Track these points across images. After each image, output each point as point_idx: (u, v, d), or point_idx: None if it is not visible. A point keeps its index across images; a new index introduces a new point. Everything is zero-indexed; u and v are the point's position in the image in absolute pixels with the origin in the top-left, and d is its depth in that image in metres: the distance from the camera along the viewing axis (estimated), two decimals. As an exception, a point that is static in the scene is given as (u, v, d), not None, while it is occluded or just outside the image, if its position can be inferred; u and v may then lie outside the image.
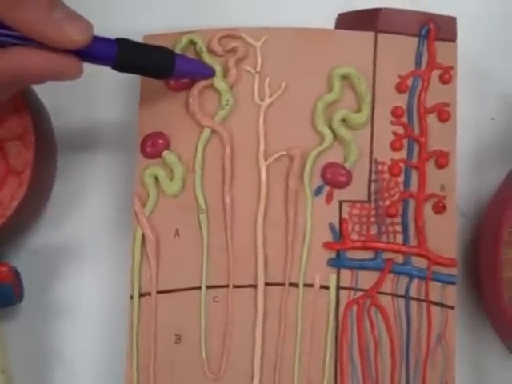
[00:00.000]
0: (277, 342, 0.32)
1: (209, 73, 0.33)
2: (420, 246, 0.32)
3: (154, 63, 0.31)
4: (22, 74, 0.27)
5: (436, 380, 0.31)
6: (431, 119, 0.33)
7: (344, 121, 0.33)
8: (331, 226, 0.32)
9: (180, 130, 0.33)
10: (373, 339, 0.32)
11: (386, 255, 0.32)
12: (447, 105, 0.33)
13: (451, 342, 0.31)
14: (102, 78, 0.35)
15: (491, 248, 0.32)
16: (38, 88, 0.34)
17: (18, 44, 0.27)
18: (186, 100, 0.33)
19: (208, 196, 0.33)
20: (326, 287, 0.32)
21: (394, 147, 0.33)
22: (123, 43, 0.30)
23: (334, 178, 0.33)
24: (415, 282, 0.32)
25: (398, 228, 0.33)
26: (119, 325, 0.33)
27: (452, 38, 0.34)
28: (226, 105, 0.33)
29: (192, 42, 0.34)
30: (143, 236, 0.32)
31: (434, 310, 0.32)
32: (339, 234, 0.32)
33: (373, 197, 0.33)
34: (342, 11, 0.35)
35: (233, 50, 0.34)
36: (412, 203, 0.33)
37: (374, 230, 0.33)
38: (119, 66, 0.30)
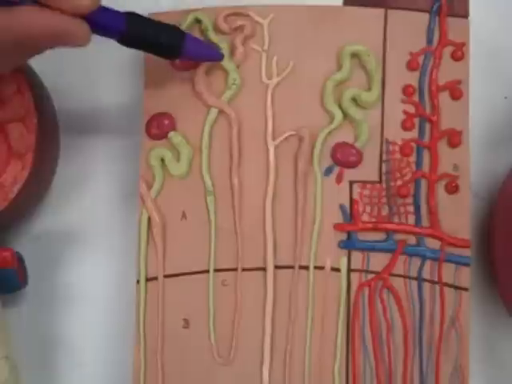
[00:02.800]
0: (287, 326, 0.31)
1: (218, 56, 0.32)
2: (433, 226, 0.32)
3: (163, 40, 0.30)
4: (28, 33, 0.26)
5: (450, 363, 0.31)
6: (443, 97, 0.33)
7: (354, 100, 0.32)
8: (342, 207, 0.32)
9: (186, 110, 0.32)
10: (385, 322, 0.31)
11: (398, 236, 0.32)
12: (459, 82, 0.33)
13: (465, 324, 0.31)
14: (104, 58, 0.34)
15: (506, 229, 0.31)
16: (39, 69, 0.33)
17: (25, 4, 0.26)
18: (192, 79, 0.32)
19: (215, 177, 0.32)
20: (337, 270, 0.31)
21: (406, 126, 0.32)
22: (132, 17, 0.29)
23: (344, 157, 0.32)
24: (428, 263, 0.31)
25: (410, 209, 0.32)
26: (125, 310, 0.32)
27: (464, 14, 0.33)
28: (233, 84, 0.32)
29: (198, 21, 0.33)
30: (149, 219, 0.32)
31: (448, 291, 0.31)
32: (350, 215, 0.32)
33: (384, 177, 0.32)
34: (350, -12, 0.34)
35: (239, 28, 0.33)
36: (424, 183, 0.32)
37: (385, 211, 0.32)
38: (126, 40, 0.29)
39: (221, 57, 0.32)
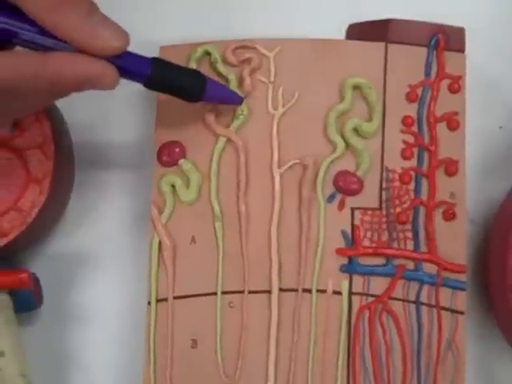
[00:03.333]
0: (291, 347, 0.32)
1: (238, 100, 0.33)
2: (430, 252, 0.33)
3: (186, 85, 0.31)
4: (60, 79, 0.27)
5: (446, 384, 0.32)
6: (440, 128, 0.34)
7: (356, 130, 0.34)
8: (343, 233, 0.33)
9: (196, 138, 0.34)
10: (384, 344, 0.32)
11: (397, 261, 0.33)
12: (456, 113, 0.34)
13: (461, 347, 0.32)
14: (117, 92, 0.36)
15: (500, 255, 0.32)
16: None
17: (58, 49, 0.27)
18: (201, 109, 0.34)
19: (223, 204, 0.33)
20: (339, 293, 0.33)
21: (405, 156, 0.34)
22: (158, 62, 0.30)
23: (346, 185, 0.33)
24: (426, 287, 0.33)
25: (409, 235, 0.33)
26: (136, 330, 0.33)
27: (461, 49, 0.34)
28: (241, 114, 0.34)
29: (207, 53, 0.35)
30: (160, 243, 0.33)
31: (445, 315, 0.32)
32: (351, 240, 0.33)
33: (384, 204, 0.34)
34: (352, 22, 0.36)
35: (247, 61, 0.34)
36: (422, 210, 0.33)
37: (385, 237, 0.33)
38: (151, 84, 0.30)
39: (241, 100, 0.33)
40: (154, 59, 0.30)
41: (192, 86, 0.31)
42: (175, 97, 0.32)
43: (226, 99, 0.33)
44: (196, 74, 0.31)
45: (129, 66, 0.29)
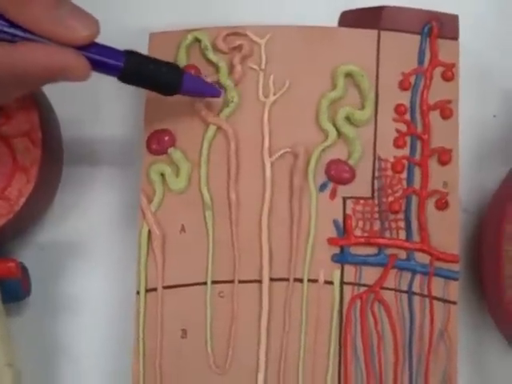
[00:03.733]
0: (281, 337, 0.32)
1: (216, 93, 0.33)
2: (423, 241, 0.33)
3: (162, 79, 0.30)
4: (30, 69, 0.27)
5: (438, 374, 0.32)
6: (434, 116, 0.34)
7: (348, 118, 0.33)
8: (335, 222, 0.33)
9: (186, 127, 0.33)
10: (376, 334, 0.32)
11: (390, 251, 0.33)
12: (449, 102, 0.34)
13: (453, 336, 0.32)
14: (106, 85, 0.35)
15: (493, 244, 0.32)
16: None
17: (27, 39, 0.27)
18: (191, 97, 0.33)
19: (213, 192, 0.33)
20: (330, 282, 0.32)
21: (397, 144, 0.34)
22: (131, 55, 0.29)
23: (337, 174, 0.33)
24: (418, 277, 0.32)
25: (401, 224, 0.33)
26: (126, 320, 0.33)
27: (454, 36, 0.34)
28: (231, 102, 0.34)
29: (197, 40, 0.34)
30: (149, 232, 0.33)
31: (437, 305, 0.32)
32: (343, 229, 0.33)
33: (376, 193, 0.33)
34: (345, 9, 0.35)
35: (238, 48, 0.34)
36: (415, 200, 0.33)
37: (377, 226, 0.33)
38: (125, 78, 0.30)
39: (219, 93, 0.33)
40: (128, 52, 0.29)
41: (168, 79, 0.31)
42: (151, 90, 0.31)
43: (204, 92, 0.33)
44: (172, 66, 0.31)
45: (101, 58, 0.28)
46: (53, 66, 0.27)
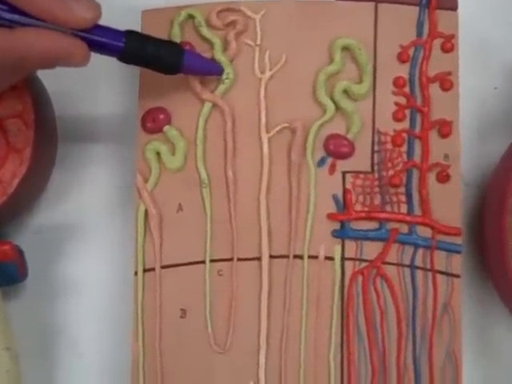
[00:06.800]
0: (282, 314, 0.32)
1: (218, 71, 0.32)
2: (424, 215, 0.32)
3: (162, 58, 0.30)
4: (28, 55, 0.27)
5: (442, 348, 0.31)
6: (433, 88, 0.33)
7: (346, 92, 0.33)
8: (335, 197, 0.32)
9: (181, 104, 0.33)
10: (379, 309, 0.32)
11: (391, 225, 0.32)
12: (449, 73, 0.33)
13: (457, 310, 0.31)
14: (100, 58, 0.35)
15: (496, 217, 0.32)
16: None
17: (26, 24, 0.27)
18: (186, 74, 0.33)
19: (210, 170, 0.33)
20: (331, 258, 0.32)
21: (397, 117, 0.33)
22: (132, 34, 0.29)
23: (336, 149, 0.32)
24: (420, 251, 0.32)
25: (402, 198, 0.32)
26: (124, 301, 0.33)
27: (453, 7, 0.33)
28: (227, 78, 0.33)
29: (191, 17, 0.34)
30: (146, 212, 0.32)
31: (440, 278, 0.32)
32: (343, 204, 0.32)
33: (376, 167, 0.33)
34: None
35: (232, 24, 0.34)
36: (416, 173, 0.32)
37: (377, 201, 0.32)
38: (126, 58, 0.29)
39: (221, 71, 0.32)
40: (128, 32, 0.29)
41: (168, 58, 0.30)
42: (152, 69, 0.31)
43: (206, 70, 0.32)
44: (173, 45, 0.31)
45: (101, 39, 0.28)
46: (52, 51, 0.27)
